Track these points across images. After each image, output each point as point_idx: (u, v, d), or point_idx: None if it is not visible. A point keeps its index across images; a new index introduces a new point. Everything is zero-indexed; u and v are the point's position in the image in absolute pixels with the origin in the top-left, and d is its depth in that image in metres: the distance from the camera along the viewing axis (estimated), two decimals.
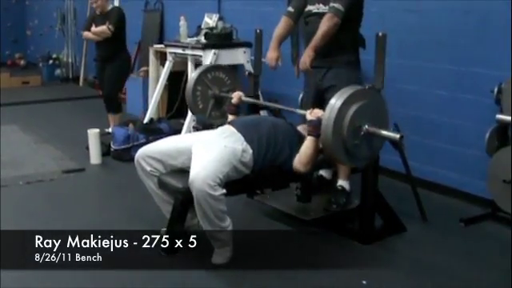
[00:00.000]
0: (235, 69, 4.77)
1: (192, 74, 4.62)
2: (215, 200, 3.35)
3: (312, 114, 3.62)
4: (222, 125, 4.00)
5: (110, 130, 6.35)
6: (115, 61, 6.46)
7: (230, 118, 4.24)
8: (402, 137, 3.34)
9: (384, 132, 3.35)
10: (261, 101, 4.72)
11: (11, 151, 5.31)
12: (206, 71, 4.53)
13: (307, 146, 3.61)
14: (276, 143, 3.71)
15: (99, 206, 4.62)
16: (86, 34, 6.50)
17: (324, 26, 3.91)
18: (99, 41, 6.43)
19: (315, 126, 3.52)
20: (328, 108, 3.30)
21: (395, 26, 4.74)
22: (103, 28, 6.27)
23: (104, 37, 6.31)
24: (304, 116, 3.80)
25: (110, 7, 6.47)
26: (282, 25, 4.28)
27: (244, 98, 4.30)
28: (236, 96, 4.28)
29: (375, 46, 3.75)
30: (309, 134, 3.61)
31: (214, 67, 4.66)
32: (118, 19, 6.34)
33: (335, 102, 3.28)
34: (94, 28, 6.34)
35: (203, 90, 4.48)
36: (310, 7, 4.18)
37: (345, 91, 3.32)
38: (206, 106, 4.49)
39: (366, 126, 3.32)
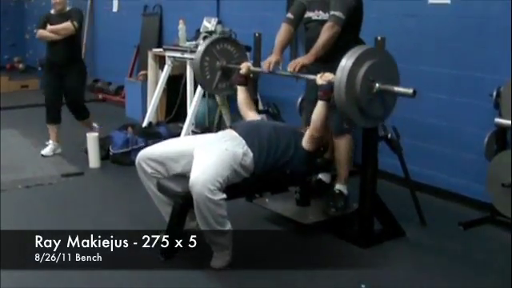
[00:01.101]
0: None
1: (200, 46, 4.63)
2: (215, 204, 3.36)
3: (322, 78, 3.67)
4: (231, 83, 4.00)
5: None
6: (75, 66, 5.97)
7: (239, 89, 4.29)
8: (415, 91, 3.36)
9: (396, 88, 3.40)
10: (260, 106, 4.72)
11: (10, 155, 5.31)
12: (215, 42, 4.55)
13: (319, 110, 3.67)
14: (277, 147, 3.73)
15: (98, 209, 4.61)
16: (42, 32, 5.83)
17: (324, 35, 3.93)
18: (56, 43, 5.79)
19: (326, 91, 3.60)
20: (339, 69, 3.35)
21: (394, 31, 4.75)
22: (67, 24, 5.75)
23: (65, 35, 5.76)
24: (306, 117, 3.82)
25: (68, 8, 5.95)
26: (282, 32, 4.29)
27: (253, 68, 4.31)
28: (245, 66, 4.30)
29: None
30: (320, 99, 3.66)
31: (223, 39, 4.68)
32: (80, 19, 5.97)
33: (346, 62, 3.33)
34: (50, 26, 5.77)
35: (211, 62, 4.50)
36: (309, 14, 4.18)
37: (354, 51, 3.38)
38: (213, 78, 4.51)
39: (378, 84, 3.37)
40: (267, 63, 4.18)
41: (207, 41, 4.58)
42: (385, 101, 3.48)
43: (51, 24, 5.76)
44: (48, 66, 6.01)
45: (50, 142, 6.01)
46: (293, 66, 3.99)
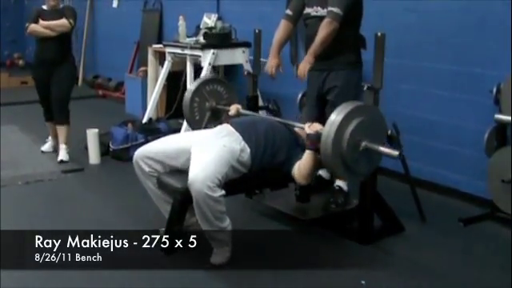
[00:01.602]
0: (232, 84, 4.76)
1: (190, 86, 4.62)
2: (214, 201, 3.35)
3: (311, 128, 3.61)
4: (220, 123, 4.00)
5: (62, 155, 5.72)
6: (64, 64, 5.77)
7: None
8: (400, 153, 3.35)
9: (382, 149, 3.35)
10: (260, 102, 4.71)
11: (10, 151, 5.31)
12: (205, 83, 4.52)
13: (306, 159, 3.59)
14: (274, 143, 3.72)
15: (98, 205, 4.61)
16: (34, 26, 5.58)
17: (322, 32, 3.90)
18: (47, 40, 5.60)
19: (313, 140, 3.51)
20: (328, 123, 3.29)
21: (394, 26, 4.73)
22: (63, 21, 5.60)
23: (60, 32, 5.59)
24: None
25: (61, 5, 5.87)
26: (281, 29, 4.26)
27: (242, 111, 4.29)
28: (234, 108, 4.28)
29: (374, 46, 3.75)
30: (307, 148, 3.60)
31: (213, 80, 4.65)
32: (75, 17, 5.77)
33: (335, 117, 3.27)
34: (44, 22, 5.57)
35: (200, 102, 4.47)
36: (308, 10, 4.17)
37: (345, 107, 3.31)
38: (203, 118, 4.48)
39: (365, 143, 3.31)
40: (270, 68, 4.17)
41: (197, 82, 4.57)
42: (370, 158, 3.42)
43: (43, 20, 5.58)
44: (37, 62, 5.83)
45: (50, 138, 5.98)
46: (301, 75, 3.97)
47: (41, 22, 5.54)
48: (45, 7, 5.72)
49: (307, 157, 3.58)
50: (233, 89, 4.64)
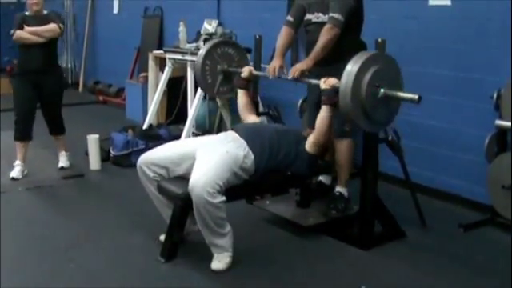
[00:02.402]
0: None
1: (201, 50, 4.62)
2: (214, 207, 3.35)
3: (326, 83, 3.69)
4: (232, 87, 4.10)
5: (62, 162, 5.62)
6: (52, 73, 5.43)
7: (240, 92, 4.30)
8: (420, 97, 3.37)
9: (401, 93, 3.41)
10: (260, 108, 4.72)
11: (10, 157, 5.29)
12: (216, 46, 4.54)
13: (323, 115, 3.70)
14: (279, 149, 3.73)
15: (99, 211, 4.61)
16: (20, 33, 5.19)
17: (323, 37, 3.92)
18: (33, 47, 5.20)
19: (329, 96, 3.63)
20: (345, 74, 3.36)
21: (394, 33, 4.75)
22: (53, 26, 5.24)
23: (49, 37, 5.24)
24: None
25: (45, 11, 5.39)
26: (283, 35, 4.28)
27: (255, 72, 4.31)
28: (246, 70, 4.32)
29: None
30: (323, 104, 3.69)
31: (223, 42, 4.66)
32: (63, 22, 5.47)
33: (351, 67, 3.35)
34: (30, 28, 5.18)
35: (212, 65, 4.50)
36: (309, 16, 4.18)
37: (360, 57, 3.38)
38: (215, 81, 4.50)
39: (383, 89, 3.38)
40: (272, 69, 4.16)
41: (208, 45, 4.57)
42: (389, 106, 3.48)
43: (28, 26, 5.19)
44: (21, 72, 5.35)
45: (18, 162, 5.34)
46: (292, 72, 3.99)
47: (26, 28, 5.18)
48: (27, 13, 5.38)
49: (324, 113, 3.69)
50: (244, 51, 4.67)
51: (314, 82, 3.88)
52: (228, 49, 4.57)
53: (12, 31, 5.19)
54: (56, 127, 5.54)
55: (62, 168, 5.56)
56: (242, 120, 4.27)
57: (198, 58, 4.51)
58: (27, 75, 5.26)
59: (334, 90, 3.56)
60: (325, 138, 3.77)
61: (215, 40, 4.77)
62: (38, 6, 5.28)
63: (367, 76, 3.35)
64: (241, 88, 4.31)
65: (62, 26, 5.35)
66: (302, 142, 3.82)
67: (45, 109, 5.46)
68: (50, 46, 5.31)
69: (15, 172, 5.26)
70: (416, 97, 3.35)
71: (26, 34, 5.18)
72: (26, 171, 5.35)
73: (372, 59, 3.39)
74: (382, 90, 3.39)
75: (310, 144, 3.79)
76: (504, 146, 4.17)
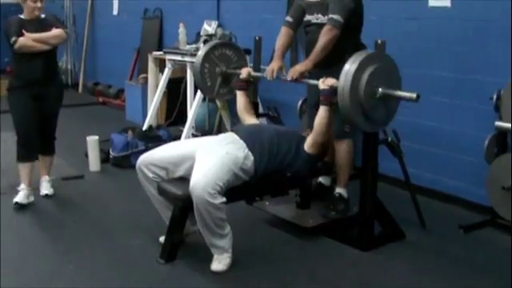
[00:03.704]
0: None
1: (199, 52, 4.61)
2: (215, 208, 3.35)
3: (325, 83, 3.69)
4: (231, 88, 4.11)
5: (46, 188, 4.95)
6: (56, 84, 4.90)
7: (239, 94, 4.30)
8: (418, 96, 3.38)
9: (399, 92, 3.41)
10: (260, 109, 4.71)
11: (10, 159, 5.27)
12: (213, 48, 4.54)
13: (321, 115, 3.69)
14: (278, 151, 3.73)
15: (98, 212, 4.61)
16: (25, 40, 4.53)
17: (323, 39, 3.91)
18: (36, 56, 4.61)
19: (328, 95, 3.63)
20: (342, 74, 3.37)
21: (395, 34, 4.75)
22: (58, 32, 4.69)
23: (56, 44, 4.74)
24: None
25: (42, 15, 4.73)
26: (282, 36, 4.28)
27: (253, 73, 4.32)
28: (245, 71, 4.32)
29: None
30: (321, 104, 3.69)
31: (221, 44, 4.66)
32: (64, 25, 4.97)
33: (349, 67, 3.35)
34: (35, 34, 4.58)
35: (211, 68, 4.50)
36: (308, 17, 4.18)
37: (357, 56, 3.39)
38: (214, 84, 4.50)
39: (382, 89, 3.39)
40: (270, 71, 4.16)
41: (206, 47, 4.57)
42: (388, 105, 3.49)
43: (27, 32, 4.56)
44: (21, 85, 4.67)
45: (23, 186, 4.77)
46: (291, 74, 3.99)
47: (29, 34, 4.55)
48: (23, 16, 4.68)
49: (323, 113, 3.69)
50: (242, 52, 4.68)
51: (313, 82, 3.88)
52: (226, 50, 4.57)
53: (13, 39, 4.50)
54: (49, 146, 4.95)
55: (47, 196, 4.91)
56: (241, 121, 4.27)
57: (197, 61, 4.51)
58: (28, 88, 4.64)
59: (333, 90, 3.57)
60: (323, 137, 3.77)
61: (213, 42, 4.77)
62: (41, 10, 4.65)
63: (365, 75, 3.36)
64: (239, 89, 4.32)
65: (67, 30, 4.89)
66: (301, 143, 3.82)
67: (43, 124, 4.81)
68: (52, 54, 4.77)
69: (20, 197, 4.69)
70: (414, 95, 3.36)
71: (30, 41, 4.54)
72: (31, 198, 4.76)
73: (369, 58, 3.40)
74: (380, 90, 3.39)
75: (308, 144, 3.79)
76: (504, 148, 4.17)
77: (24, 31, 4.53)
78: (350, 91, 3.32)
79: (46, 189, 4.96)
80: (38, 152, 4.84)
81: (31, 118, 4.69)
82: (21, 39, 4.51)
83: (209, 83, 4.51)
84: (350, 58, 3.41)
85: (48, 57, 4.72)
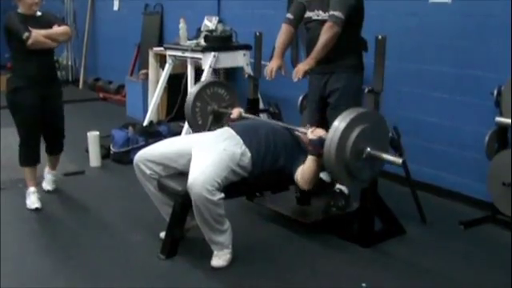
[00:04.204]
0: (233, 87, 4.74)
1: (191, 90, 4.60)
2: (213, 204, 3.35)
3: (313, 133, 3.58)
4: (221, 126, 4.01)
5: (48, 183, 4.96)
6: (58, 83, 4.88)
7: None
8: (404, 161, 3.34)
9: (386, 156, 3.34)
10: (260, 105, 4.70)
11: (11, 154, 5.27)
12: (205, 87, 4.51)
13: (309, 165, 3.59)
14: (275, 147, 3.72)
15: (99, 208, 4.61)
16: (38, 36, 4.36)
17: (324, 36, 3.90)
18: (42, 54, 4.49)
19: (316, 146, 3.49)
20: (331, 130, 3.27)
21: (395, 29, 4.75)
22: (65, 28, 4.61)
23: (63, 41, 4.71)
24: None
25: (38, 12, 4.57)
26: (283, 33, 4.27)
27: (244, 115, 4.29)
28: (236, 112, 4.28)
29: (375, 49, 3.76)
30: (310, 154, 3.59)
31: (213, 83, 4.65)
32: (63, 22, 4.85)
33: (339, 124, 3.25)
34: (44, 30, 4.43)
35: (202, 106, 4.46)
36: (309, 13, 4.17)
37: (348, 114, 3.30)
38: (205, 122, 4.47)
39: (369, 150, 3.30)
40: (269, 70, 4.16)
41: (197, 86, 4.54)
42: (373, 164, 3.41)
43: (32, 28, 4.39)
44: (26, 85, 4.49)
45: (32, 189, 4.66)
46: (296, 73, 3.97)
47: (38, 31, 4.39)
48: (21, 12, 4.49)
49: (310, 162, 3.58)
50: (234, 90, 4.64)
51: (302, 130, 3.77)
52: (218, 89, 4.54)
53: (26, 34, 4.29)
54: (58, 145, 4.90)
55: (49, 191, 4.92)
56: None
57: (188, 99, 4.47)
58: (34, 87, 4.50)
59: (321, 141, 3.43)
60: (309, 186, 3.69)
61: (205, 81, 4.76)
62: (38, 6, 4.50)
63: (353, 135, 3.25)
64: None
65: (73, 28, 4.68)
66: (297, 143, 3.80)
67: (48, 125, 4.70)
68: (52, 51, 4.68)
69: (35, 201, 4.58)
70: (400, 161, 3.30)
71: (41, 37, 4.39)
72: (39, 203, 4.59)
73: (360, 117, 3.30)
74: (367, 150, 3.30)
75: (297, 179, 3.72)
76: (504, 143, 4.17)
77: (29, 28, 4.36)
78: (337, 148, 3.23)
79: (49, 184, 4.95)
80: (40, 154, 4.71)
81: (36, 122, 4.59)
82: (34, 35, 4.33)
83: (200, 121, 4.47)
84: (342, 114, 3.31)
85: (50, 54, 4.65)
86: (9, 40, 4.45)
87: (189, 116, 4.46)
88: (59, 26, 4.58)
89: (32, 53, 4.41)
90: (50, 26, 4.51)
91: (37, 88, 4.50)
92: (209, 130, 4.41)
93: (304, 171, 3.63)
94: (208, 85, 4.55)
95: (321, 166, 3.56)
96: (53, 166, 5.01)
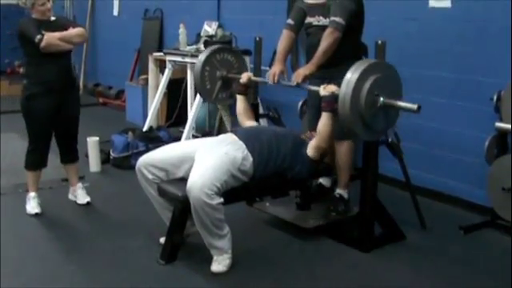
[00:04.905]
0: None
1: (201, 55, 4.61)
2: (212, 209, 3.35)
3: (326, 89, 3.70)
4: (231, 93, 4.13)
5: (83, 196, 4.81)
6: (75, 89, 4.77)
7: (239, 98, 4.32)
8: (419, 107, 3.37)
9: (400, 103, 3.39)
10: (260, 110, 4.71)
11: (11, 159, 5.29)
12: (215, 52, 4.54)
13: (324, 122, 3.70)
14: (278, 152, 3.73)
15: (99, 213, 4.60)
16: (51, 38, 4.27)
17: (325, 42, 3.91)
18: (58, 57, 4.41)
19: (329, 102, 3.63)
20: (344, 82, 3.34)
21: (395, 34, 4.75)
22: (80, 30, 4.52)
23: (78, 44, 4.61)
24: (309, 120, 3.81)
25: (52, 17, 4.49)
26: (284, 39, 4.28)
27: (254, 78, 4.32)
28: (245, 76, 4.33)
29: (375, 54, 3.76)
30: (323, 110, 3.70)
31: (223, 49, 4.66)
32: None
33: (351, 76, 3.33)
34: (58, 33, 4.35)
35: (211, 71, 4.50)
36: (309, 19, 4.18)
37: (359, 65, 3.37)
38: (213, 87, 4.50)
39: (383, 98, 3.37)
40: (272, 75, 4.16)
41: (207, 51, 4.56)
42: (388, 114, 3.47)
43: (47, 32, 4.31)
44: (44, 91, 4.38)
45: (33, 194, 4.63)
46: (296, 78, 3.99)
47: (51, 33, 4.29)
48: (36, 17, 4.40)
49: (325, 119, 3.69)
50: (243, 58, 4.68)
51: (314, 88, 3.88)
52: (227, 55, 4.57)
53: (38, 37, 4.20)
54: (72, 154, 4.79)
55: (88, 203, 4.77)
56: (240, 125, 4.27)
57: (198, 64, 4.50)
58: (49, 95, 4.39)
59: (334, 97, 3.56)
60: (327, 143, 3.79)
61: (215, 46, 4.75)
62: (50, 11, 4.40)
63: (366, 85, 3.33)
64: (240, 94, 4.33)
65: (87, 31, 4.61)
66: (301, 147, 3.82)
67: (61, 133, 4.64)
68: (69, 55, 4.57)
69: (35, 207, 4.56)
70: (415, 107, 3.34)
71: (55, 39, 4.29)
72: (39, 208, 4.57)
73: (371, 67, 3.37)
74: (381, 99, 3.37)
75: (311, 149, 3.79)
76: (504, 148, 4.17)
77: (43, 31, 4.27)
78: (351, 100, 3.30)
79: (83, 196, 4.81)
80: (47, 159, 4.61)
81: (49, 129, 4.53)
82: (46, 37, 4.22)
83: (208, 86, 4.51)
84: (352, 66, 3.39)
85: (66, 58, 4.53)
86: (23, 45, 4.39)
87: (197, 80, 4.49)
88: (74, 28, 4.50)
89: (47, 57, 4.31)
90: (65, 29, 4.43)
91: (53, 95, 4.40)
92: (216, 95, 4.49)
93: (320, 129, 3.73)
94: (218, 50, 4.60)
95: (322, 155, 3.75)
96: (75, 179, 4.86)
